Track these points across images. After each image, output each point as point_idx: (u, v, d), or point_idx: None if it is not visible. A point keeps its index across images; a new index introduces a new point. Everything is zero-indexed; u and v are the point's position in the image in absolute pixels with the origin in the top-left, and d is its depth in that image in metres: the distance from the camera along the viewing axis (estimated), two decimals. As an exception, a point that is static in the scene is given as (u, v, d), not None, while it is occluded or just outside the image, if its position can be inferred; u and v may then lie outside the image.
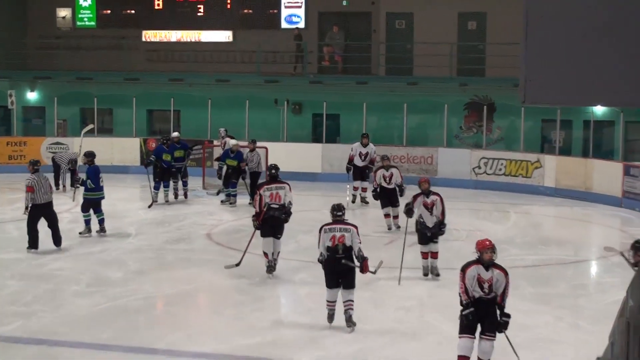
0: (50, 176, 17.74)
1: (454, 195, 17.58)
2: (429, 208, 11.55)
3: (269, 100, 23.95)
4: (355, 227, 10.16)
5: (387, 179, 15.25)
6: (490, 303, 7.85)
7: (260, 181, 16.64)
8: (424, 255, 11.68)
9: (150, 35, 26.37)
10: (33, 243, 13.24)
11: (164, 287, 12.80)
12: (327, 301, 10.15)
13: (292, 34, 24.48)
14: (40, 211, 13.23)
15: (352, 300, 10.01)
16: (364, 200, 18.13)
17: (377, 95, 23.35)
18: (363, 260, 10.02)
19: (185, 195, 19.32)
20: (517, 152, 21.45)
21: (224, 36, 25.78)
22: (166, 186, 18.54)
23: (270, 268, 12.25)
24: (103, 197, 15.75)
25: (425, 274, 11.66)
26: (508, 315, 7.81)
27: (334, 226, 9.90)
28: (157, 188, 18.40)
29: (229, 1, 25.58)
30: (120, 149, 23.78)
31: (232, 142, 18.75)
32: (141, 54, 26.18)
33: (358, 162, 18.05)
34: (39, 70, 26.38)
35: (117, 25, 26.68)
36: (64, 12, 27.17)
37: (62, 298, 12.09)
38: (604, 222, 18.63)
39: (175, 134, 20.10)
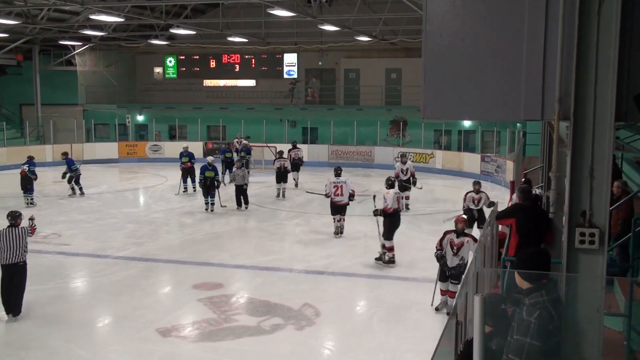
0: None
1: (386, 174, 16.30)
2: (454, 248, 9.02)
3: (277, 119, 29.39)
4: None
5: (476, 201, 13.51)
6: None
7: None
8: (442, 292, 9.22)
9: (208, 82, 32.57)
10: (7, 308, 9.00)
11: (216, 227, 14.72)
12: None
13: (290, 81, 30.87)
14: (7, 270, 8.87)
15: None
16: (407, 207, 17.19)
17: (339, 115, 28.51)
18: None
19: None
20: (419, 148, 26.28)
21: (250, 82, 31.77)
22: (224, 172, 21.45)
23: (278, 196, 17.19)
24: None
25: (437, 309, 9.20)
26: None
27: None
28: (223, 172, 21.28)
29: (253, 62, 31.55)
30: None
31: (210, 158, 17.71)
32: (203, 93, 32.19)
33: (402, 176, 17.25)
34: (143, 103, 32.20)
35: (189, 77, 32.58)
36: (158, 69, 33.33)
37: (158, 234, 13.53)
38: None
39: (242, 140, 23.29)
